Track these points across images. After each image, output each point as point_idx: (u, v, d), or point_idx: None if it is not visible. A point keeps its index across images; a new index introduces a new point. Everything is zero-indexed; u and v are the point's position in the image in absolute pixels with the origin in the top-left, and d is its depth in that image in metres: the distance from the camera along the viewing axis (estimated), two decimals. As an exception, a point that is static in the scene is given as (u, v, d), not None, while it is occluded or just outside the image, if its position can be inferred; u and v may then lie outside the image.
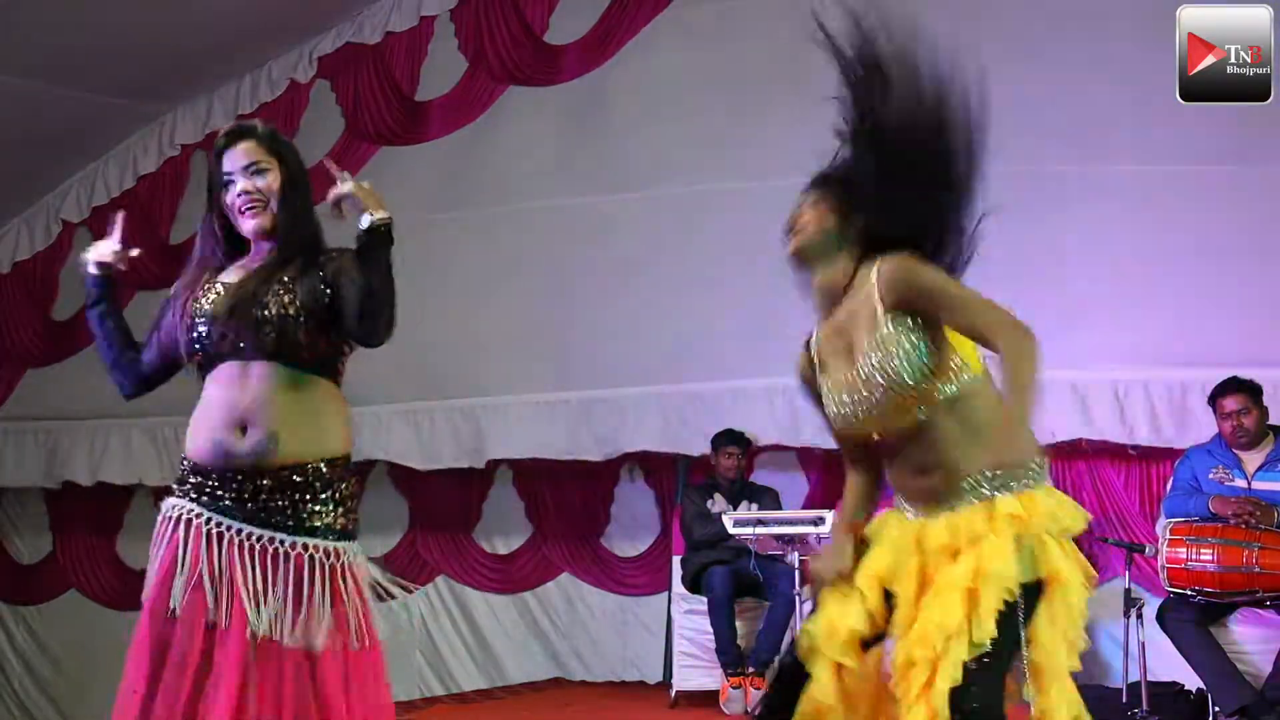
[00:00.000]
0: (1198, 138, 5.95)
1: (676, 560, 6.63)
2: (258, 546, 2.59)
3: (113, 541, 8.56)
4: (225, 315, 2.66)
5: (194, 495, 2.64)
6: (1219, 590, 5.19)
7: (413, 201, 7.73)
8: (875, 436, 2.76)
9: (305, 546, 2.61)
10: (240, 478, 2.61)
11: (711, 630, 6.11)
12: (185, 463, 2.69)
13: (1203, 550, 5.20)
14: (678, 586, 6.53)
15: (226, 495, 2.61)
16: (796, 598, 5.62)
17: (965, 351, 2.74)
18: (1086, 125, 6.27)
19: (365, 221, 2.76)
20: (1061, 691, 2.66)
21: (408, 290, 8.65)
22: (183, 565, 2.58)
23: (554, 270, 7.31)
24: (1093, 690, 5.71)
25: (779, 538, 5.73)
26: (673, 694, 6.34)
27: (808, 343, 2.86)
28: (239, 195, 2.74)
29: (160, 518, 2.68)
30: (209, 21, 7.50)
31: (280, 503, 2.62)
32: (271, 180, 2.76)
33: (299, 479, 2.64)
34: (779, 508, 6.42)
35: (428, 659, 7.74)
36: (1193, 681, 5.43)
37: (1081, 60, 6.31)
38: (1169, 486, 5.67)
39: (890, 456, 2.75)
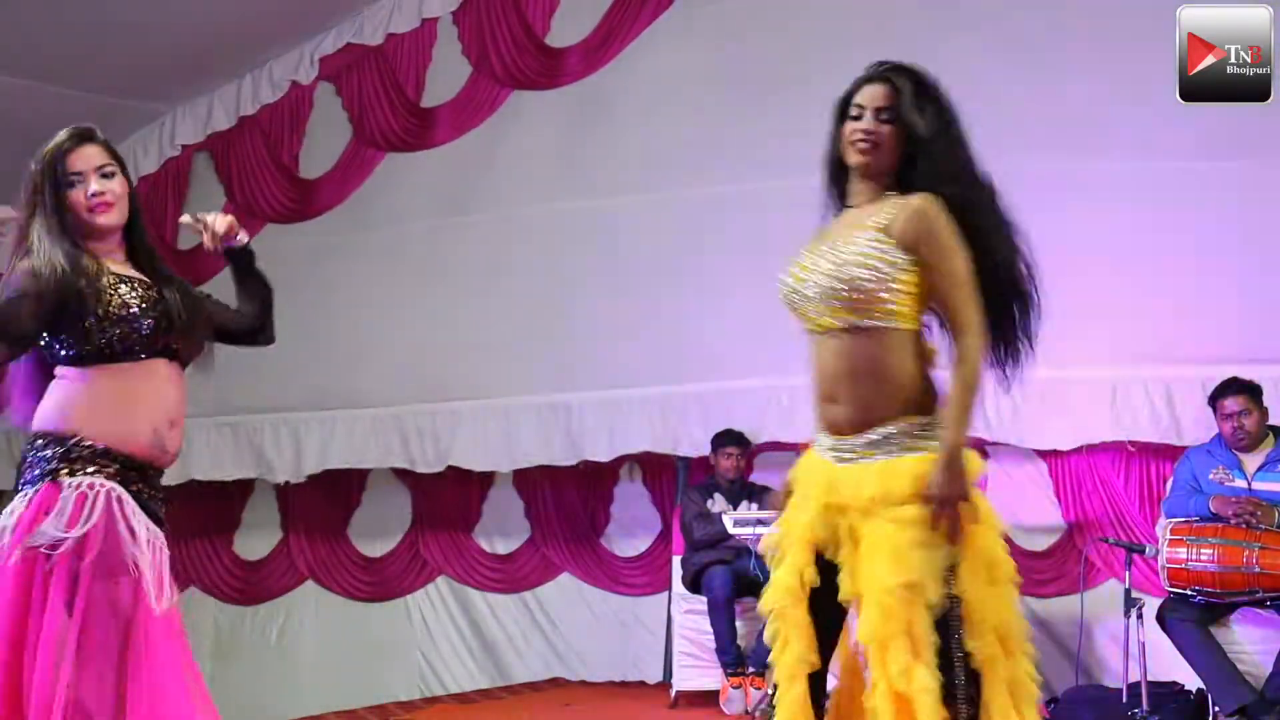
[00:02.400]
0: (1198, 135, 5.95)
1: (676, 560, 6.63)
2: (157, 542, 2.81)
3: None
4: (169, 319, 2.85)
5: (115, 479, 2.76)
6: (1219, 590, 5.19)
7: (416, 207, 7.75)
8: (806, 328, 2.87)
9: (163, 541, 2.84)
10: (154, 473, 2.85)
11: (711, 630, 6.11)
12: (90, 446, 2.76)
13: (1203, 550, 5.20)
14: (678, 586, 6.53)
15: (145, 489, 2.82)
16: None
17: (917, 311, 2.82)
18: (1086, 122, 6.26)
19: (244, 239, 3.25)
20: (995, 639, 2.75)
21: (412, 295, 8.72)
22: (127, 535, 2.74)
23: (556, 273, 7.31)
24: (1093, 690, 5.72)
25: (779, 537, 5.72)
26: (673, 694, 6.34)
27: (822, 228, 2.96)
28: (92, 194, 2.86)
29: (85, 492, 2.72)
30: (209, 21, 7.50)
31: (159, 497, 2.87)
32: (118, 185, 2.91)
33: (161, 476, 2.89)
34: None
35: (428, 659, 7.75)
36: (1193, 682, 5.43)
37: (1082, 57, 6.30)
38: (1169, 487, 5.68)
39: (811, 359, 2.86)
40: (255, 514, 8.22)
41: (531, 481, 7.54)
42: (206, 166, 8.43)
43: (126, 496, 2.76)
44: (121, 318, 2.79)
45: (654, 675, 7.07)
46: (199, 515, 8.26)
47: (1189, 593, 5.23)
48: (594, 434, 7.09)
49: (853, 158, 2.88)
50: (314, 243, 7.87)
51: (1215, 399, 5.52)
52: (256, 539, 8.19)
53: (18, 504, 2.74)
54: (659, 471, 7.34)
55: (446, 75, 7.82)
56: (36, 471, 2.76)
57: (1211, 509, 5.30)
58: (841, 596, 2.75)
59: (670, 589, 6.79)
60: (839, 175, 2.96)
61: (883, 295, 2.76)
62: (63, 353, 2.81)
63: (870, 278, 2.74)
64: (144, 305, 2.83)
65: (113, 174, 2.90)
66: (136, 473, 2.80)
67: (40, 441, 2.79)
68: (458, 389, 7.43)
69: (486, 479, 7.66)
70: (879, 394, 2.77)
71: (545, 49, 7.60)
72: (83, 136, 2.92)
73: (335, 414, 7.62)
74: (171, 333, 2.85)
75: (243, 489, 8.13)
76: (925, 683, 2.62)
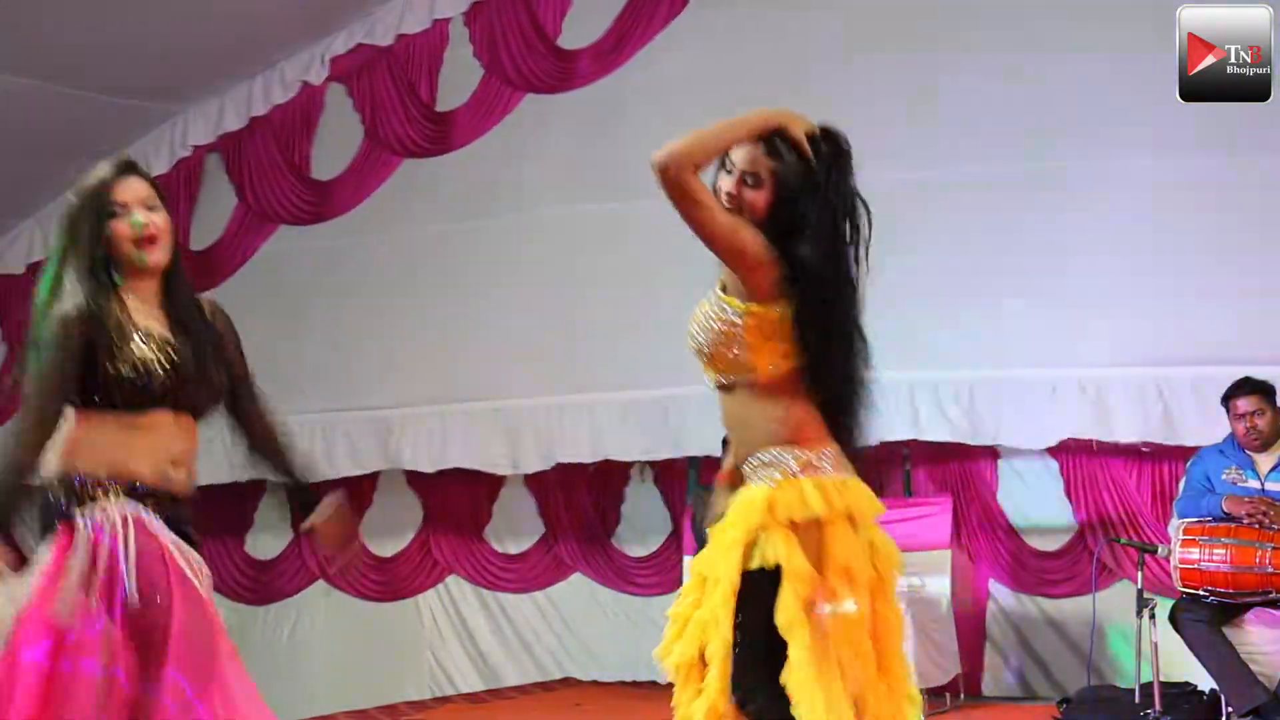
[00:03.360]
0: (1207, 132, 5.93)
1: (688, 560, 6.61)
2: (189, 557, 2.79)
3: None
4: (185, 377, 2.77)
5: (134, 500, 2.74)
6: (1232, 590, 5.17)
7: (432, 212, 7.76)
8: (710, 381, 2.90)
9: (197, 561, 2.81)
10: (166, 499, 2.78)
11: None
12: (95, 479, 2.72)
13: (1216, 550, 5.18)
14: (688, 586, 6.52)
15: (160, 514, 2.76)
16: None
17: (766, 360, 2.75)
18: (1095, 119, 6.25)
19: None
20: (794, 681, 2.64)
21: (428, 298, 8.74)
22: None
23: (570, 276, 7.31)
24: (1105, 691, 5.71)
25: (790, 538, 5.71)
26: (684, 694, 6.33)
27: None
28: (136, 226, 2.78)
29: (115, 522, 2.70)
30: (220, 22, 7.52)
31: (181, 520, 2.83)
32: (163, 220, 2.83)
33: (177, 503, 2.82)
34: (790, 508, 6.40)
35: (439, 659, 7.76)
36: (1206, 682, 5.42)
37: (1091, 54, 6.29)
38: (1181, 487, 5.66)
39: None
40: (267, 514, 8.23)
41: (542, 482, 7.54)
42: (218, 167, 8.44)
43: (143, 511, 2.71)
44: (130, 379, 2.71)
45: (665, 675, 7.06)
46: (210, 515, 8.24)
47: (1202, 593, 5.22)
48: (608, 435, 7.10)
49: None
50: (327, 245, 7.89)
51: (1228, 399, 5.50)
52: (268, 539, 8.21)
53: (43, 556, 2.69)
54: (670, 472, 7.34)
55: (459, 77, 7.83)
56: (51, 519, 2.72)
57: (1224, 509, 5.28)
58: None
59: (681, 589, 6.77)
60: None
61: (731, 353, 2.78)
62: (77, 394, 2.73)
63: (716, 337, 2.79)
64: (157, 364, 2.74)
65: (157, 208, 2.82)
66: (147, 499, 2.74)
67: (47, 491, 2.73)
68: (472, 390, 7.44)
69: (497, 480, 7.66)
70: (747, 445, 2.79)
71: (557, 51, 7.60)
72: (128, 168, 2.83)
73: (347, 415, 7.63)
74: (180, 392, 2.77)
75: (254, 489, 8.14)
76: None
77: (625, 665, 7.31)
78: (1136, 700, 5.27)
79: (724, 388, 2.84)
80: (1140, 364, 6.15)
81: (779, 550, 2.64)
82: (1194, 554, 5.21)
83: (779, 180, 2.76)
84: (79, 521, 2.68)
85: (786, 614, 2.62)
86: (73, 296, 2.73)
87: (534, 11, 7.63)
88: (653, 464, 7.35)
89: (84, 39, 7.19)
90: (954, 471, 6.66)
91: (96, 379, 2.71)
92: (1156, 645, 5.18)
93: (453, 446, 7.43)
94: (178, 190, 8.47)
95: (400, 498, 7.87)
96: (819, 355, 2.72)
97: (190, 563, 2.76)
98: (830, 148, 2.79)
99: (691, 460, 7.11)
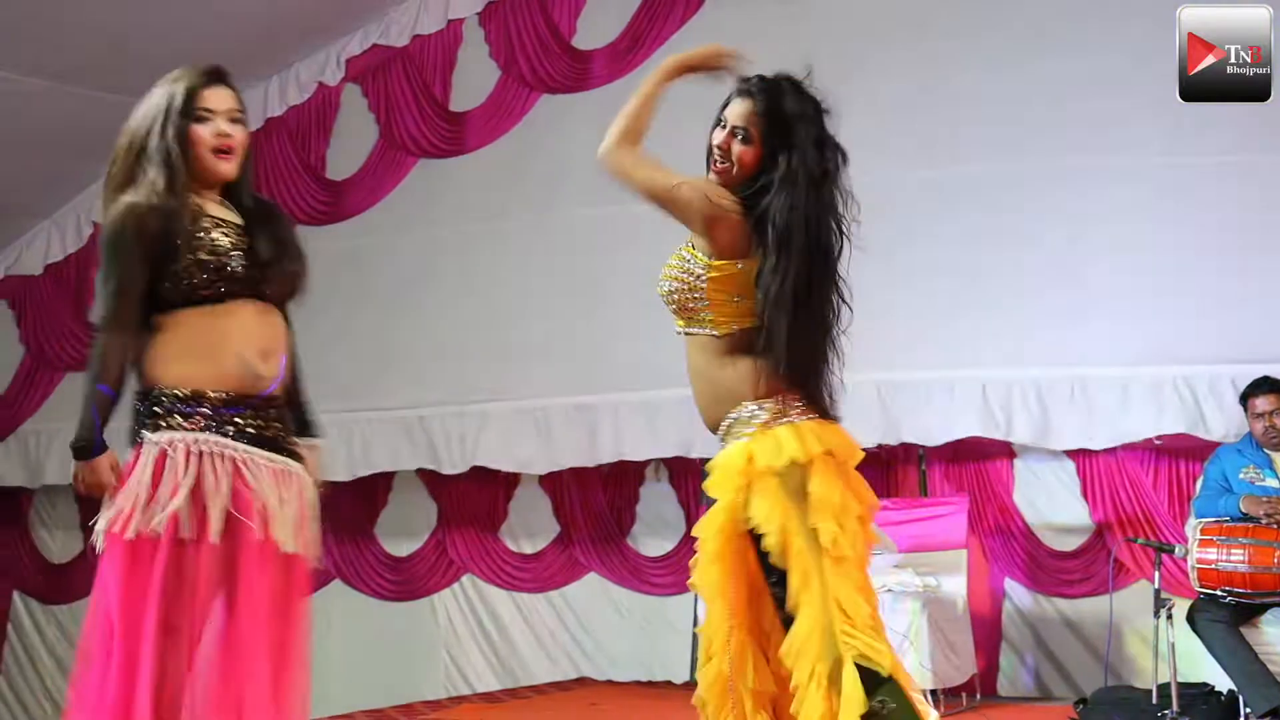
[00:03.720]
0: (1222, 129, 5.92)
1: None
2: (277, 469, 2.76)
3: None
4: (264, 262, 2.79)
5: (209, 427, 2.70)
6: (1250, 591, 5.15)
7: (451, 213, 7.77)
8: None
9: (296, 470, 2.81)
10: (261, 403, 2.75)
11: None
12: (172, 395, 2.71)
13: (1233, 550, 5.16)
14: (704, 586, 6.52)
15: (253, 422, 2.75)
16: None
17: (726, 317, 2.84)
18: (1109, 117, 6.24)
19: None
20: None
21: (445, 299, 8.77)
22: (213, 491, 2.67)
23: (589, 277, 7.31)
24: (1122, 691, 5.69)
25: (805, 537, 5.70)
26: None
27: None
28: (220, 135, 2.81)
29: (167, 449, 2.70)
30: (235, 23, 7.54)
31: (280, 429, 2.81)
32: (242, 133, 2.87)
33: (281, 407, 2.83)
34: (805, 507, 6.39)
35: (454, 658, 7.77)
36: (1223, 683, 5.39)
37: (1104, 52, 6.27)
38: (1199, 486, 5.64)
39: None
40: (282, 514, 8.24)
41: (558, 481, 7.55)
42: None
43: (215, 442, 2.69)
44: (209, 263, 2.71)
45: (680, 675, 7.07)
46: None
47: (1219, 593, 5.20)
48: (625, 435, 7.10)
49: (710, 169, 2.94)
50: (346, 246, 7.90)
51: (1246, 397, 5.49)
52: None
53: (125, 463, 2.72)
54: (685, 471, 7.34)
55: (474, 78, 7.84)
56: (141, 427, 2.74)
57: (1242, 509, 5.26)
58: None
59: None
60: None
61: (692, 305, 2.85)
62: (156, 296, 2.73)
63: (679, 288, 2.85)
64: (233, 249, 2.75)
65: (239, 121, 2.85)
66: (236, 409, 2.73)
67: (141, 396, 2.75)
68: (487, 391, 7.45)
69: (513, 479, 7.67)
70: (711, 401, 2.91)
71: (572, 51, 7.61)
72: (219, 75, 2.86)
73: (365, 415, 7.64)
74: (260, 275, 2.78)
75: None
76: None
77: (641, 665, 7.32)
78: (1154, 701, 5.25)
79: (689, 335, 2.90)
80: (1159, 363, 6.12)
81: (760, 510, 2.77)
82: (1211, 554, 5.19)
83: (765, 137, 2.86)
84: (144, 448, 2.71)
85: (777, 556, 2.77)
86: (147, 186, 2.74)
87: (548, 12, 7.64)
88: (668, 463, 7.35)
89: (99, 40, 7.23)
90: (970, 471, 6.65)
91: (173, 270, 2.70)
92: (1174, 646, 5.15)
93: (471, 447, 7.43)
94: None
95: (416, 497, 7.88)
96: (770, 317, 2.77)
97: (280, 480, 2.74)
98: (801, 102, 2.91)
99: (706, 460, 7.10)
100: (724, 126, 2.91)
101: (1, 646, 9.00)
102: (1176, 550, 5.48)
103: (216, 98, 2.82)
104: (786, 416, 2.79)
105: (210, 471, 2.66)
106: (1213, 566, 5.18)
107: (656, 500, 7.47)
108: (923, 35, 6.73)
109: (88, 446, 2.68)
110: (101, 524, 2.68)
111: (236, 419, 2.73)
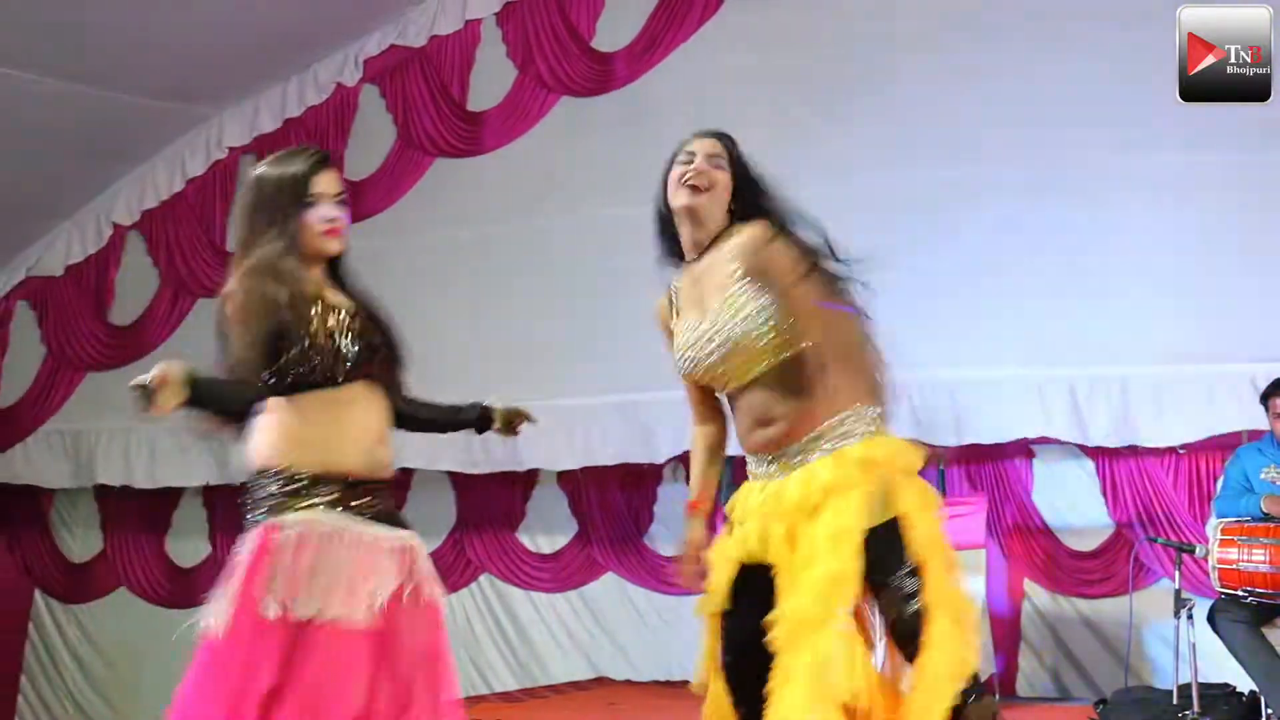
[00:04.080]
0: (1243, 127, 5.88)
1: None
2: (387, 546, 2.88)
3: (161, 540, 8.67)
4: (371, 347, 2.92)
5: (328, 506, 2.81)
6: (1271, 591, 5.12)
7: (468, 214, 7.78)
8: (716, 387, 3.03)
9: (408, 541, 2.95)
10: (375, 486, 2.91)
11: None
12: (308, 475, 2.80)
13: (1254, 551, 5.14)
14: (722, 586, 6.51)
15: (372, 503, 2.88)
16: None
17: (804, 313, 2.90)
18: (1130, 115, 6.21)
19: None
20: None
21: (463, 299, 8.75)
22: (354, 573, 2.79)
23: (607, 278, 7.31)
24: (1143, 691, 5.67)
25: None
26: (717, 693, 6.33)
27: (670, 289, 3.16)
28: (327, 220, 2.95)
29: (289, 531, 2.77)
30: (254, 24, 7.57)
31: (389, 505, 2.96)
32: (346, 215, 3.02)
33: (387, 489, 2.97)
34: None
35: (472, 658, 7.77)
36: (1244, 683, 5.37)
37: (1122, 48, 6.25)
38: (1219, 486, 5.61)
39: (734, 408, 3.02)
40: (302, 513, 8.27)
41: (575, 481, 7.55)
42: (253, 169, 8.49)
43: (348, 525, 2.81)
44: (326, 347, 2.83)
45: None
46: (229, 517, 8.33)
47: (1240, 593, 5.17)
48: (646, 435, 7.10)
49: (682, 199, 3.06)
50: (362, 246, 7.91)
51: (1267, 397, 5.46)
52: (302, 538, 8.25)
53: (246, 544, 2.78)
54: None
55: (491, 78, 7.85)
56: (262, 510, 2.80)
57: (1263, 509, 5.24)
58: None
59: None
60: (669, 230, 3.17)
61: (774, 335, 2.90)
62: (272, 382, 2.81)
63: (753, 330, 2.90)
64: (348, 333, 2.87)
65: (344, 203, 3.00)
66: (357, 490, 2.85)
67: (261, 478, 2.83)
68: (506, 391, 7.44)
69: (531, 478, 7.68)
70: (794, 425, 2.91)
71: (591, 52, 7.61)
72: (326, 160, 3.03)
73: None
74: (372, 360, 2.92)
75: (289, 488, 8.20)
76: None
77: (659, 664, 7.32)
78: (1174, 701, 5.23)
79: (752, 383, 2.93)
80: (1181, 362, 6.10)
81: (904, 503, 2.82)
82: (1232, 554, 5.17)
83: (734, 159, 3.08)
84: (285, 526, 2.76)
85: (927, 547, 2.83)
86: (266, 273, 2.84)
87: (566, 13, 7.65)
88: (684, 463, 7.34)
89: (121, 43, 7.26)
90: (989, 471, 6.63)
91: (291, 362, 2.80)
92: (1194, 646, 5.14)
93: (493, 447, 7.43)
94: (213, 192, 8.54)
95: (433, 497, 7.89)
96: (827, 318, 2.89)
97: (401, 555, 2.87)
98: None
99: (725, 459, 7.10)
100: (691, 161, 3.11)
101: (23, 646, 9.04)
102: (1197, 550, 5.46)
103: (325, 182, 2.98)
104: (884, 423, 2.99)
105: (340, 550, 2.77)
106: (1234, 566, 5.16)
107: (674, 499, 7.46)
108: (939, 35, 6.72)
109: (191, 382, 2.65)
110: (223, 607, 2.72)
111: (362, 498, 2.86)
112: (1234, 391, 5.93)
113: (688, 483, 7.60)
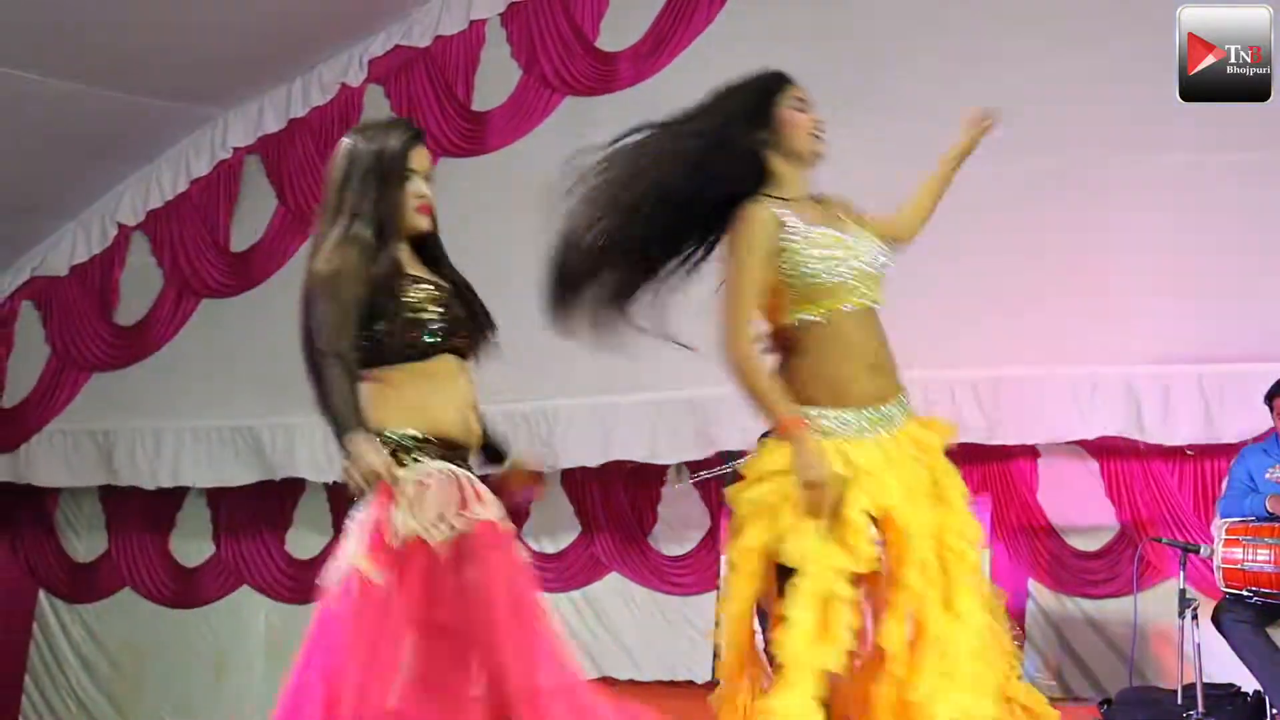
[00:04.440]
0: (1246, 126, 5.88)
1: (724, 560, 6.61)
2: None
3: (165, 540, 8.67)
4: (461, 318, 2.99)
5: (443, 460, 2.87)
6: (1276, 591, 5.12)
7: (475, 211, 7.77)
8: (860, 302, 3.07)
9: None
10: (466, 452, 2.97)
11: (759, 629, 6.08)
12: (413, 435, 2.84)
13: (1259, 550, 5.13)
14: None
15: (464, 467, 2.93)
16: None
17: None
18: (1134, 115, 6.21)
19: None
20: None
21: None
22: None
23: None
24: (1147, 692, 5.67)
25: (827, 537, 5.68)
26: (721, 693, 6.33)
27: (769, 208, 3.08)
28: (420, 195, 2.99)
29: (430, 475, 2.83)
30: (260, 24, 7.58)
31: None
32: (433, 193, 3.04)
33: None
34: (827, 507, 6.38)
35: (477, 657, 7.77)
36: (1249, 683, 5.36)
37: (1122, 48, 6.25)
38: (1224, 486, 5.61)
39: (828, 345, 3.03)
40: (307, 513, 8.28)
41: (579, 481, 7.55)
42: (257, 169, 8.50)
43: (461, 472, 2.88)
44: (415, 320, 2.88)
45: (702, 675, 7.06)
46: (251, 513, 8.34)
47: (1245, 593, 5.17)
48: (649, 436, 7.10)
49: (812, 146, 3.14)
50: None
51: (1271, 397, 5.45)
52: (308, 538, 8.24)
53: (364, 508, 2.81)
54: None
55: (496, 79, 7.85)
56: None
57: (1268, 508, 5.23)
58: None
59: (718, 588, 6.78)
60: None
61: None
62: (362, 352, 2.85)
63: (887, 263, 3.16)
64: (435, 307, 2.92)
65: (431, 179, 3.03)
66: (458, 453, 2.91)
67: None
68: (509, 391, 7.44)
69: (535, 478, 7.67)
70: (891, 367, 3.10)
71: (595, 52, 7.61)
72: (421, 137, 3.03)
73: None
74: (457, 333, 2.96)
75: (294, 488, 8.20)
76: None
77: (662, 665, 7.32)
78: (1179, 701, 5.22)
79: (875, 307, 3.11)
80: (1183, 361, 6.09)
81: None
82: (1237, 554, 5.17)
83: None
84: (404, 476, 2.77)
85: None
86: (361, 239, 2.88)
87: (571, 13, 7.65)
88: (689, 462, 7.34)
89: (125, 42, 7.27)
90: (993, 471, 6.62)
91: (384, 334, 2.85)
92: (1199, 646, 5.14)
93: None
94: (217, 192, 8.55)
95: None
96: None
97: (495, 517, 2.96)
98: None
99: (727, 458, 7.10)
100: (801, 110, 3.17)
101: (27, 646, 9.05)
102: (1202, 550, 5.45)
103: (419, 158, 3.00)
104: None
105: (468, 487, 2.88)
106: (1238, 566, 5.15)
107: (678, 499, 7.46)
108: (945, 34, 6.72)
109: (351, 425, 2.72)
110: (397, 529, 2.76)
111: (458, 461, 2.92)
112: (1236, 391, 5.92)
113: (689, 481, 7.65)
